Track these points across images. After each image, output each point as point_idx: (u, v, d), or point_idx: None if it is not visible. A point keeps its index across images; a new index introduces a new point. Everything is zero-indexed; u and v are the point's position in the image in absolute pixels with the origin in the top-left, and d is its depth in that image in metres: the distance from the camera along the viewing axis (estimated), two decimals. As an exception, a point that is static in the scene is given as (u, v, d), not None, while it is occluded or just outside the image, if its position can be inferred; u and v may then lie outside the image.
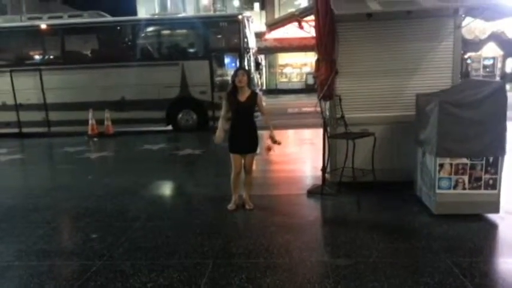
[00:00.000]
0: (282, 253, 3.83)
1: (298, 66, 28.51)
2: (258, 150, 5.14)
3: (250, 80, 4.93)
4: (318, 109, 5.52)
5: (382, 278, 3.28)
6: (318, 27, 5.33)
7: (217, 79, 12.02)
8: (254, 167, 7.11)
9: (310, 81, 24.66)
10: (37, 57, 12.80)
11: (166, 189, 6.68)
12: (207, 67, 11.85)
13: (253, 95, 4.84)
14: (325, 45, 5.30)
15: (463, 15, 5.39)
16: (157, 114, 12.07)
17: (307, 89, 25.32)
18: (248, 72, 5.00)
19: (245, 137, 4.86)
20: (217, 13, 24.45)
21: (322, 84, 5.41)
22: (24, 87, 12.14)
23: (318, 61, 5.51)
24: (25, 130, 12.46)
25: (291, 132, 11.42)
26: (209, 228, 4.47)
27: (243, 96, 4.77)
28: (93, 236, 4.39)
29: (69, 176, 7.40)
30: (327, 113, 5.69)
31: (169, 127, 12.44)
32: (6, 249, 4.15)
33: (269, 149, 4.93)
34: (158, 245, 4.11)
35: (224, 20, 13.17)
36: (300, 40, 21.16)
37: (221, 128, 4.90)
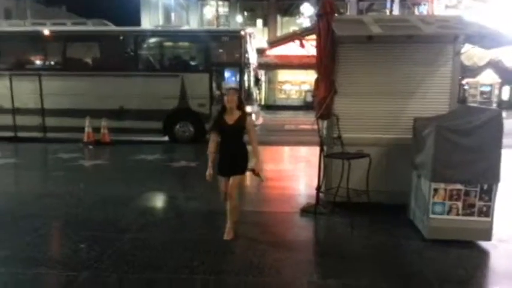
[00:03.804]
0: (271, 272, 3.78)
1: (298, 83, 28.67)
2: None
3: (241, 101, 4.54)
4: (315, 127, 5.52)
5: (372, 302, 3.23)
6: (319, 47, 5.38)
7: (217, 92, 12.05)
8: (248, 183, 7.12)
9: (309, 98, 24.80)
10: (38, 62, 12.81)
11: (158, 201, 6.61)
12: (207, 80, 11.87)
13: (242, 118, 4.45)
14: (325, 65, 5.33)
15: (462, 42, 5.45)
16: (154, 125, 12.04)
17: (305, 106, 25.41)
18: (240, 92, 4.49)
19: (230, 160, 4.45)
20: (220, 28, 24.71)
21: (321, 103, 5.43)
22: (22, 92, 12.12)
23: (317, 80, 5.54)
24: (20, 134, 12.39)
25: (286, 149, 11.39)
26: (199, 244, 4.42)
27: (231, 118, 4.42)
28: (81, 245, 4.32)
29: (61, 183, 7.32)
30: (324, 132, 5.69)
31: (166, 138, 12.41)
32: (-8, 255, 4.08)
33: (256, 174, 4.61)
34: (146, 258, 4.05)
35: (227, 34, 13.27)
36: (300, 58, 21.29)
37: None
